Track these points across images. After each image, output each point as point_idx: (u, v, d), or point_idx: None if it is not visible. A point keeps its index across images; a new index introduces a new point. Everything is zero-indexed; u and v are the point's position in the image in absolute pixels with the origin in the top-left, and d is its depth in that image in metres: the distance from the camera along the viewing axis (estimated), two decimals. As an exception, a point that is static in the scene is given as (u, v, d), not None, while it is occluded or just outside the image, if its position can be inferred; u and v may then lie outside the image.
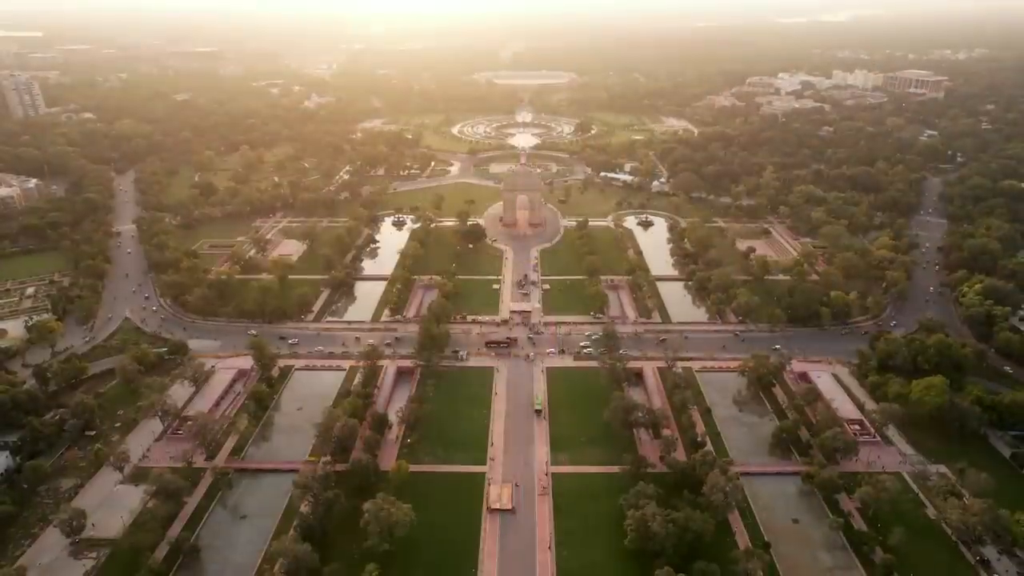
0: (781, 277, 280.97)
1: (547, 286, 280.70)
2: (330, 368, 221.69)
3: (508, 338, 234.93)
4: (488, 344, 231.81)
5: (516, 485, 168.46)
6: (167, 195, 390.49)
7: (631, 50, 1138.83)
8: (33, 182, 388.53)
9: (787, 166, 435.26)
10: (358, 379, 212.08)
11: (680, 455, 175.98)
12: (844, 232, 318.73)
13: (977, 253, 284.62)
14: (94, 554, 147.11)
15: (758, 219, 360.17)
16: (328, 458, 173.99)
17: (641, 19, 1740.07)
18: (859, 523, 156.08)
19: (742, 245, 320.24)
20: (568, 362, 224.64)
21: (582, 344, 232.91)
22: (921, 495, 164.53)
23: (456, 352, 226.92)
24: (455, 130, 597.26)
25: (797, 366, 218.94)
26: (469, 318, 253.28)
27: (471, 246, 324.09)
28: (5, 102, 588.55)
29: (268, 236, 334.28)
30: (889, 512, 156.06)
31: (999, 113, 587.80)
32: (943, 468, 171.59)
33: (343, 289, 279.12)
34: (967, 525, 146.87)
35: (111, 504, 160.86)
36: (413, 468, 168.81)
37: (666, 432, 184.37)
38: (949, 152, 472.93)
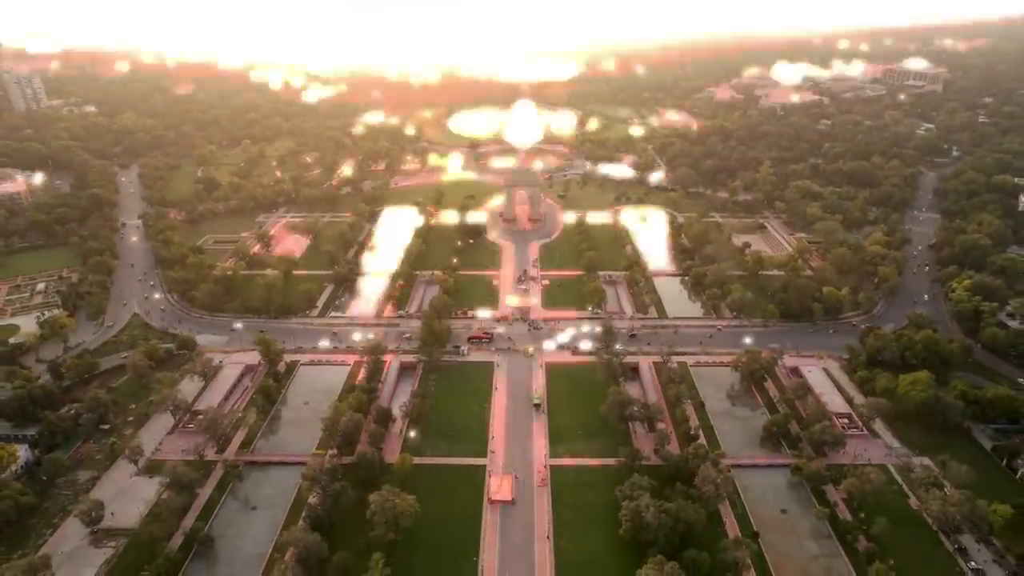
0: (776, 272, 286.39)
1: (546, 281, 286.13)
2: (335, 363, 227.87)
3: (487, 332, 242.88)
4: (470, 339, 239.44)
5: (516, 477, 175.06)
6: (170, 190, 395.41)
7: (631, 42, 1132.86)
8: (39, 177, 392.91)
9: (784, 160, 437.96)
10: (362, 374, 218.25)
11: (674, 448, 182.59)
12: (839, 227, 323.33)
13: (968, 249, 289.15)
14: (113, 543, 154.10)
15: (754, 214, 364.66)
16: (334, 451, 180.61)
17: (643, 15, 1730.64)
18: (844, 513, 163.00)
19: (738, 240, 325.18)
20: (567, 357, 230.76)
21: (560, 341, 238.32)
22: (905, 486, 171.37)
23: (457, 347, 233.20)
24: (455, 124, 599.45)
25: (789, 361, 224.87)
26: (470, 313, 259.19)
27: (471, 242, 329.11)
28: (7, 95, 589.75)
29: (271, 232, 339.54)
30: (873, 503, 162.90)
31: (997, 106, 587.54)
32: (927, 460, 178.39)
33: (346, 285, 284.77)
34: (947, 515, 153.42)
35: (127, 495, 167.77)
36: (416, 461, 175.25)
37: (660, 426, 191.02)
38: (945, 146, 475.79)
